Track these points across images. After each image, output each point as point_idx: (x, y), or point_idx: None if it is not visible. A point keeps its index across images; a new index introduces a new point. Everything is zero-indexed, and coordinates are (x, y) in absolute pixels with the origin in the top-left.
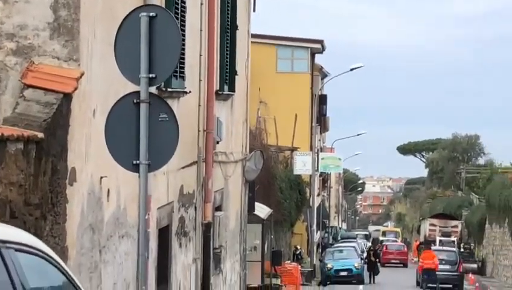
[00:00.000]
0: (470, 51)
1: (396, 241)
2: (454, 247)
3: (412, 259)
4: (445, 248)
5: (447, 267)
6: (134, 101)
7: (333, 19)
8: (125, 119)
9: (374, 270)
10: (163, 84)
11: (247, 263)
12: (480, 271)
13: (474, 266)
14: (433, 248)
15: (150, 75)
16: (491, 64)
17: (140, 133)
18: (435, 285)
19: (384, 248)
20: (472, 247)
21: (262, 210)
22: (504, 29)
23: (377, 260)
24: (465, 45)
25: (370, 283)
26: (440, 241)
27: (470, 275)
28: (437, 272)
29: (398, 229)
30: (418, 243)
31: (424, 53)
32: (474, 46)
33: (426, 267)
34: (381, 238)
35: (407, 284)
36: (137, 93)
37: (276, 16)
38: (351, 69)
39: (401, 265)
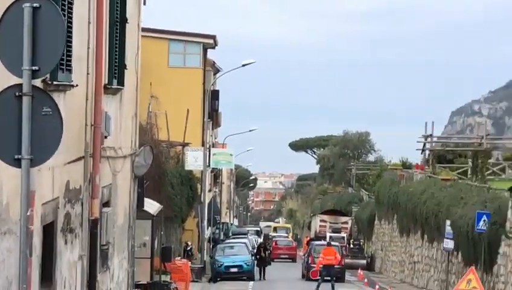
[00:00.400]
0: (363, 48)
1: (287, 237)
2: (344, 243)
3: (302, 256)
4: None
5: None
6: (17, 94)
7: (226, 14)
8: (7, 113)
9: (264, 266)
10: (48, 77)
11: (135, 260)
12: (369, 267)
13: (364, 262)
14: (316, 243)
15: (33, 68)
16: (384, 62)
17: (23, 127)
18: (329, 279)
19: (274, 243)
20: (361, 243)
21: (152, 206)
22: (387, 28)
23: (268, 255)
24: (360, 42)
25: (260, 279)
26: (330, 237)
27: (359, 270)
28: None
29: (289, 225)
30: (308, 239)
31: (314, 50)
32: (370, 43)
33: (326, 263)
34: (272, 234)
35: (294, 277)
36: (20, 86)
37: (170, 10)
38: (243, 65)
39: (290, 260)
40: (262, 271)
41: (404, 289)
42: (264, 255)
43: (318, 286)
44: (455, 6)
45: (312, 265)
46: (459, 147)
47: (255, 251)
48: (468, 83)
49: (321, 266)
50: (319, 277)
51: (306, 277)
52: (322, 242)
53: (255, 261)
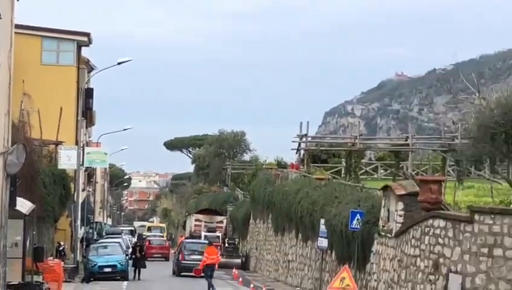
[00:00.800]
0: (238, 49)
1: (162, 236)
2: (219, 242)
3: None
4: (199, 241)
5: (200, 257)
6: None
7: (103, 12)
8: None
9: (139, 266)
10: None
11: (7, 260)
12: (244, 266)
13: (238, 261)
14: (187, 241)
15: None
16: (260, 62)
17: None
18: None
19: (148, 243)
20: (236, 242)
21: (24, 205)
22: (265, 29)
23: (143, 255)
24: (229, 42)
25: (135, 279)
26: (205, 236)
27: (234, 270)
28: (189, 262)
29: (163, 225)
30: (183, 238)
31: (189, 47)
32: (239, 42)
33: (209, 263)
34: (146, 233)
35: (166, 275)
36: None
37: (43, 7)
38: (119, 63)
39: (163, 259)
40: (138, 271)
41: (278, 288)
42: (139, 256)
43: (210, 286)
44: (331, 8)
45: (182, 262)
46: (333, 147)
47: (131, 251)
48: (341, 84)
49: (205, 265)
50: (204, 276)
51: (176, 273)
52: (193, 241)
53: (131, 262)
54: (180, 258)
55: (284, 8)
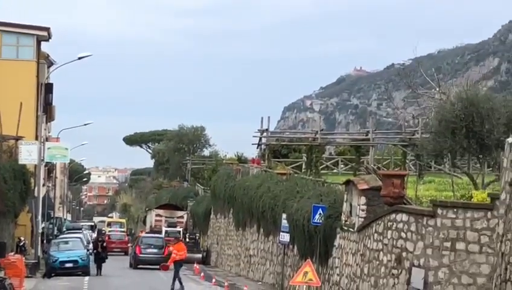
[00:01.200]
0: (192, 44)
1: (123, 231)
2: (180, 237)
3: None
4: (154, 235)
5: (155, 250)
6: None
7: (61, 6)
8: None
9: (101, 262)
10: None
11: None
12: (205, 261)
13: (199, 255)
14: (144, 235)
15: None
16: (217, 56)
17: None
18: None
19: (107, 237)
20: (197, 237)
21: None
22: (223, 24)
23: (104, 249)
24: (187, 38)
25: (97, 274)
26: (166, 231)
27: (195, 264)
28: (145, 256)
29: (123, 220)
30: (143, 233)
31: (147, 44)
32: (196, 37)
33: (179, 259)
34: (106, 229)
35: (124, 267)
36: None
37: (2, 1)
38: (79, 58)
39: (123, 253)
40: (99, 267)
41: (240, 282)
42: (101, 251)
43: (175, 281)
44: (290, 2)
45: (139, 255)
46: (294, 142)
47: (92, 246)
48: (300, 79)
49: (175, 261)
50: (174, 271)
51: (133, 266)
52: (149, 235)
53: (92, 257)
54: (137, 252)
55: (242, 3)
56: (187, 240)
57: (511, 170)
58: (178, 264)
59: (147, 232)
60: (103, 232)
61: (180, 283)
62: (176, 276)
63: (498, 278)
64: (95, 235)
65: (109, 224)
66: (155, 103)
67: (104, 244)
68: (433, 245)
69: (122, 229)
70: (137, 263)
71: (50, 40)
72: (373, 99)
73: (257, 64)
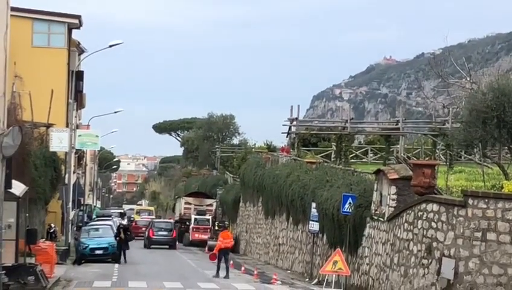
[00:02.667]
0: (229, 32)
1: (152, 217)
2: (209, 225)
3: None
4: (164, 220)
5: (165, 233)
6: None
7: None
8: None
9: (124, 248)
10: None
11: (1, 242)
12: (234, 249)
13: None
14: (156, 220)
15: None
16: (248, 46)
17: None
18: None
19: (134, 223)
20: (227, 225)
21: (17, 187)
22: (255, 12)
23: (128, 238)
24: (218, 26)
25: (120, 262)
26: (195, 219)
27: None
28: (157, 238)
29: (152, 208)
30: (173, 221)
31: (180, 33)
32: (228, 26)
33: (224, 247)
34: (135, 216)
35: (140, 247)
36: None
37: None
38: (110, 46)
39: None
40: (123, 254)
41: (269, 271)
42: (123, 238)
43: (218, 269)
44: None
45: (152, 237)
46: (323, 131)
47: (115, 233)
48: (329, 67)
49: (220, 249)
50: (217, 261)
51: (147, 246)
52: (160, 220)
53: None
54: (150, 235)
55: None
56: (216, 228)
57: None
58: (224, 251)
59: (176, 221)
60: (132, 219)
61: (226, 273)
62: (219, 264)
63: None
64: (124, 222)
65: (138, 212)
66: (185, 90)
67: (129, 230)
68: (463, 235)
69: (152, 217)
70: (150, 244)
71: (81, 27)
72: (403, 89)
73: (287, 53)
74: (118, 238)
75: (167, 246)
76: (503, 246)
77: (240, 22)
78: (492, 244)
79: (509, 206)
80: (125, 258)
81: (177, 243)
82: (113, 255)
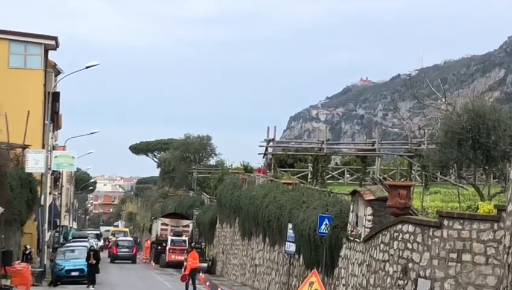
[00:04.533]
0: (200, 53)
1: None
2: (186, 246)
3: (143, 259)
4: (126, 238)
5: (127, 249)
6: None
7: (69, 14)
8: None
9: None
10: None
11: None
12: (210, 270)
13: (205, 265)
14: (118, 238)
15: None
16: (220, 67)
17: None
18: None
19: (114, 247)
20: (203, 246)
21: None
22: (232, 33)
23: (97, 262)
24: (196, 47)
25: (87, 287)
26: (172, 240)
27: (201, 274)
28: (120, 254)
29: (127, 229)
30: (149, 242)
31: (156, 53)
32: (204, 46)
33: (193, 267)
34: (111, 237)
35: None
36: None
37: (10, 10)
38: (87, 67)
39: (130, 261)
40: (92, 278)
41: None
42: (94, 263)
43: (187, 288)
44: (298, 12)
45: (115, 253)
46: (299, 152)
47: (86, 256)
48: (306, 89)
49: (190, 270)
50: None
51: (111, 260)
52: (122, 238)
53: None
54: (113, 251)
55: (251, 13)
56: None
57: None
58: (192, 272)
59: (153, 242)
60: (109, 240)
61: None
62: (188, 284)
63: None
64: (101, 243)
65: (113, 233)
66: (161, 112)
67: (98, 255)
68: (439, 256)
69: (131, 239)
70: (113, 259)
71: (57, 48)
72: (379, 110)
73: (263, 74)
74: (88, 261)
75: (129, 261)
76: (478, 267)
77: (219, 44)
78: (468, 265)
79: (484, 227)
80: (94, 282)
81: (137, 257)
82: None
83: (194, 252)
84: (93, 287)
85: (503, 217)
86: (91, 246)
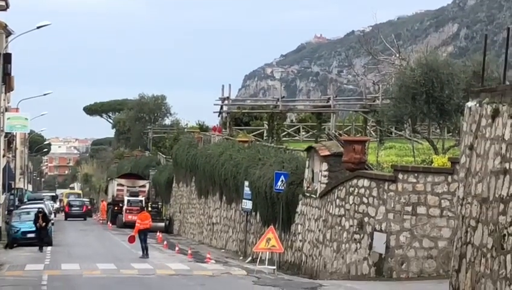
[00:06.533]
0: (153, 11)
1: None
2: (142, 205)
3: (100, 219)
4: (78, 199)
5: (77, 208)
6: None
7: None
8: None
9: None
10: None
11: None
12: (168, 229)
13: (162, 224)
14: (70, 199)
15: None
16: (177, 25)
17: None
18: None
19: (67, 205)
20: (160, 206)
21: None
22: None
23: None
24: (149, 5)
25: (39, 250)
26: (128, 201)
27: (158, 233)
28: (71, 212)
29: (80, 191)
30: (104, 203)
31: (108, 11)
32: (158, 5)
33: (142, 228)
34: (64, 199)
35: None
36: None
37: None
38: (38, 27)
39: (82, 218)
40: (40, 245)
41: (203, 250)
42: (42, 224)
43: (144, 250)
44: None
45: (67, 212)
46: (255, 110)
47: (34, 218)
48: (261, 47)
49: (139, 230)
50: (140, 241)
51: (65, 218)
52: (73, 198)
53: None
54: (66, 210)
55: None
56: (149, 209)
57: (470, 134)
58: (142, 233)
59: (109, 203)
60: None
61: (146, 252)
62: (142, 245)
63: (459, 241)
64: (56, 205)
65: (67, 195)
66: (115, 72)
67: (47, 217)
68: (394, 210)
69: (82, 200)
70: (66, 216)
71: (7, 9)
72: (334, 67)
73: (218, 33)
74: (37, 224)
75: (81, 218)
76: (433, 219)
77: (172, 3)
78: (423, 218)
79: (438, 180)
80: (50, 243)
81: (90, 216)
82: (45, 238)
83: (143, 213)
84: (42, 250)
85: (457, 169)
86: (39, 209)
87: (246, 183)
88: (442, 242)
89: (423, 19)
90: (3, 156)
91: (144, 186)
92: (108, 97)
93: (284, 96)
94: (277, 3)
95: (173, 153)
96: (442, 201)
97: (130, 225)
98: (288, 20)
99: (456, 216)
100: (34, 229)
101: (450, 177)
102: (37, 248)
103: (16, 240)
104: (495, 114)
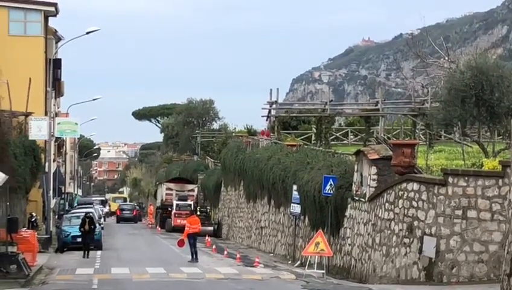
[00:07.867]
0: (200, 14)
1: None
2: (192, 209)
3: (149, 224)
4: (129, 203)
5: (128, 212)
6: None
7: None
8: None
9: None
10: None
11: None
12: (216, 233)
13: (211, 228)
14: (122, 204)
15: None
16: (221, 28)
17: None
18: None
19: (119, 210)
20: (208, 210)
21: None
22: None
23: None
24: (196, 11)
25: (84, 256)
26: (177, 205)
27: (207, 237)
28: (123, 215)
29: (126, 196)
30: (152, 207)
31: (156, 18)
32: (206, 9)
33: (191, 232)
34: (111, 203)
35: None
36: None
37: None
38: (87, 33)
39: (132, 222)
40: (87, 250)
41: (252, 254)
42: (88, 229)
43: (193, 254)
44: None
45: (119, 215)
46: (303, 114)
47: (80, 223)
48: (308, 50)
49: (188, 234)
50: (189, 246)
51: (116, 221)
52: (124, 203)
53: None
54: (118, 213)
55: None
56: (198, 213)
57: None
58: (192, 237)
59: (158, 207)
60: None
61: (195, 257)
62: (191, 249)
63: (510, 244)
64: (106, 209)
65: (114, 199)
66: (164, 76)
67: (93, 221)
68: (444, 213)
69: (133, 204)
70: (118, 220)
71: (57, 15)
72: (382, 70)
73: (266, 36)
74: (82, 229)
75: (132, 221)
76: (483, 223)
77: (220, 7)
78: (473, 221)
79: (489, 183)
80: (87, 253)
81: (139, 219)
82: (96, 242)
83: (193, 217)
84: (86, 256)
85: (508, 173)
86: (86, 213)
87: (295, 187)
88: (493, 246)
89: (472, 21)
90: (54, 160)
91: (192, 190)
92: (156, 102)
93: (332, 100)
94: (324, 6)
95: (221, 157)
96: (493, 205)
97: (179, 229)
98: (335, 24)
99: (507, 220)
100: None
101: (500, 180)
102: (92, 251)
103: (66, 244)
104: None
